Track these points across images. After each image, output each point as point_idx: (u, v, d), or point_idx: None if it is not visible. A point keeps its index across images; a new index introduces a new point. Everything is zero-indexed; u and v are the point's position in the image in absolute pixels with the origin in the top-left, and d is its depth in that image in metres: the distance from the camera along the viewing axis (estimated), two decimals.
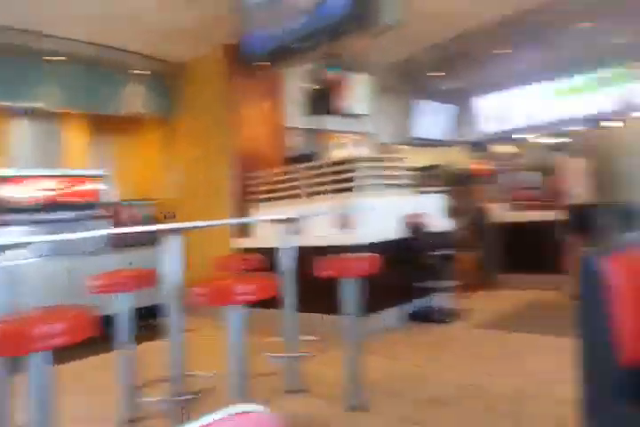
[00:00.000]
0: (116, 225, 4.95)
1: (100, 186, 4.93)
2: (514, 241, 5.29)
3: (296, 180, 4.54)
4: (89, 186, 4.87)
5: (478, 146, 9.20)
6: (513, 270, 5.26)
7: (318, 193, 4.39)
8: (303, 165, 4.57)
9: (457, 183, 7.73)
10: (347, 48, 5.28)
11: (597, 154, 3.90)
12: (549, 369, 2.80)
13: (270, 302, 2.37)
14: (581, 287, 1.43)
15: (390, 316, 4.05)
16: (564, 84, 7.88)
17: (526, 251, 5.17)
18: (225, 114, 5.12)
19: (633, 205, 3.61)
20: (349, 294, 2.52)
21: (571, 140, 8.38)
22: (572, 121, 7.90)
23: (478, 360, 3.10)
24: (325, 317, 3.91)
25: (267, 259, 3.36)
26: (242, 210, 4.88)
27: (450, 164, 10.06)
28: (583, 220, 4.19)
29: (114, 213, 5.05)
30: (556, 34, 5.93)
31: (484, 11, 5.22)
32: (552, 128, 8.70)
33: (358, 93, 6.89)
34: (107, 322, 2.29)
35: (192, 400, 2.42)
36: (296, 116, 5.75)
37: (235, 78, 5.05)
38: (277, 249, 2.98)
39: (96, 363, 3.61)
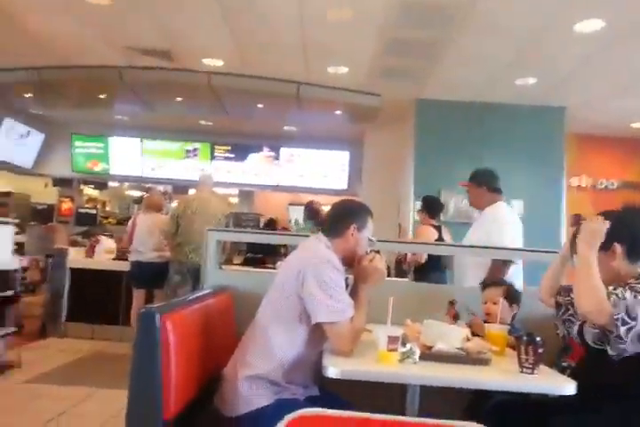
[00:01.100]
0: None
1: None
2: (87, 289, 5.05)
3: None
4: None
5: (65, 183, 8.68)
6: (83, 319, 4.98)
7: None
8: None
9: (34, 217, 6.98)
10: None
11: (176, 215, 4.26)
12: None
13: None
14: (137, 341, 1.50)
15: None
16: (155, 144, 8.55)
17: (99, 300, 5.02)
18: None
19: (197, 264, 4.06)
20: None
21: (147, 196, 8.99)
22: (158, 180, 8.62)
23: (24, 418, 2.78)
24: None
25: None
26: None
27: (27, 194, 9.07)
28: (146, 275, 4.45)
29: None
30: (157, 99, 6.50)
31: (87, 55, 5.27)
32: (138, 182, 9.19)
33: None
34: None
35: None
36: None
37: None
38: None
39: None
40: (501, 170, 5.78)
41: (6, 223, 4.41)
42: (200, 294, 2.11)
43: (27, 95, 6.63)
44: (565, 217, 5.75)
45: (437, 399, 1.74)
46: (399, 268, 4.87)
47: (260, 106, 6.37)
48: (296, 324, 1.66)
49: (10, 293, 3.91)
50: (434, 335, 1.66)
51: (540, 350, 1.51)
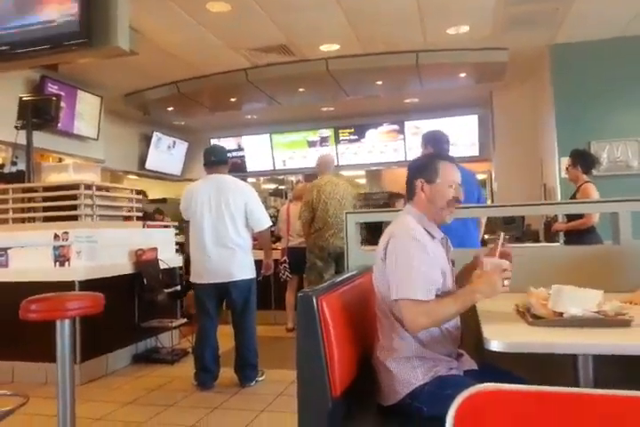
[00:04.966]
0: None
1: None
2: None
3: (4, 202, 3.87)
4: None
5: None
6: None
7: (28, 220, 3.84)
8: (14, 186, 3.94)
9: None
10: (73, 63, 4.91)
11: (311, 202, 4.37)
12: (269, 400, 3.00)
13: None
14: (299, 324, 1.56)
15: (113, 358, 3.74)
16: (283, 138, 8.89)
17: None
18: None
19: (338, 248, 4.18)
20: (65, 337, 2.24)
21: (285, 187, 9.49)
22: (290, 171, 9.01)
23: (201, 405, 3.10)
24: (29, 364, 3.39)
25: None
26: None
27: (179, 199, 10.07)
28: (299, 261, 4.60)
29: None
30: (281, 93, 6.75)
31: (216, 62, 5.62)
32: (271, 175, 9.71)
33: (87, 115, 6.40)
34: None
35: None
36: (2, 127, 4.89)
37: None
38: None
39: None
40: None
41: (168, 226, 4.99)
42: (348, 275, 2.15)
43: (169, 109, 7.34)
44: None
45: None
46: (548, 232, 4.53)
47: (379, 83, 6.29)
48: None
49: (178, 288, 4.40)
50: (564, 301, 1.50)
51: None
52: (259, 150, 9.04)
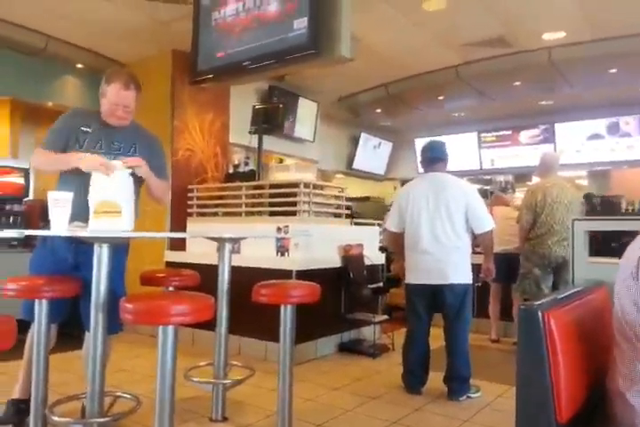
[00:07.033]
0: (31, 224, 4.57)
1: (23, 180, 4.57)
2: None
3: (238, 197, 4.47)
4: (12, 179, 4.50)
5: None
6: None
7: (257, 213, 4.35)
8: (247, 184, 4.52)
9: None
10: (297, 73, 5.40)
11: (534, 205, 4.07)
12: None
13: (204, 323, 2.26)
14: (521, 341, 1.43)
15: (322, 344, 4.04)
16: (492, 136, 8.44)
17: None
18: (166, 120, 4.90)
19: (560, 257, 3.89)
20: (287, 321, 2.48)
21: (491, 187, 8.99)
22: (498, 171, 8.50)
23: (397, 399, 3.17)
24: (252, 340, 3.86)
25: (199, 275, 3.19)
26: (180, 222, 4.70)
27: (382, 198, 10.38)
28: (503, 268, 4.22)
29: (28, 211, 4.65)
30: (493, 88, 6.39)
31: (425, 61, 5.57)
32: (477, 175, 9.30)
33: (305, 119, 6.98)
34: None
35: (109, 423, 2.24)
36: (239, 132, 5.63)
37: (180, 86, 4.91)
38: (209, 266, 2.93)
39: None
40: None
41: (372, 225, 5.16)
42: (576, 289, 1.93)
43: (377, 111, 7.57)
44: None
45: None
46: None
47: (612, 71, 5.51)
48: None
49: (380, 284, 4.52)
50: None
51: None
52: (465, 149, 8.73)
